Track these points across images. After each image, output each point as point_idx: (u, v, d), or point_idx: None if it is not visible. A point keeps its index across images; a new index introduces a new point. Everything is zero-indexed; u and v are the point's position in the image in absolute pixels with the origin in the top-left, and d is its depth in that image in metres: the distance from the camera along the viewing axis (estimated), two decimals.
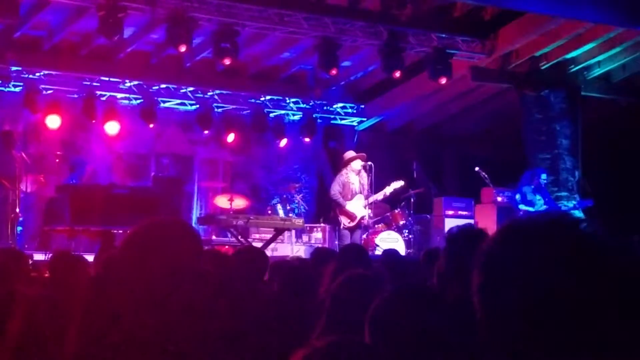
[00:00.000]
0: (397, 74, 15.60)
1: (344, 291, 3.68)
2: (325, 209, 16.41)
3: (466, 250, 4.02)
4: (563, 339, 1.57)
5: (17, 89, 16.67)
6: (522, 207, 15.04)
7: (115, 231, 12.71)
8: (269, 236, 14.90)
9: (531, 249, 1.62)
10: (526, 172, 15.66)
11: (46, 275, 9.34)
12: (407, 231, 15.93)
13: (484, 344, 1.67)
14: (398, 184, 14.78)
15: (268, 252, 14.02)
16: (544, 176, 15.22)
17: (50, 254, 10.58)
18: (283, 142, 19.46)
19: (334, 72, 15.46)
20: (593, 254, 1.60)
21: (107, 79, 17.21)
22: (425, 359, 2.79)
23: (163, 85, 17.88)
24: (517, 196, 15.16)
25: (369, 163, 14.37)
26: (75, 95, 17.09)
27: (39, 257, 12.58)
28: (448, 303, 3.08)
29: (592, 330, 1.56)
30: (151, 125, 17.70)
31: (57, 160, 16.16)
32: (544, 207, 14.95)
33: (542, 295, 1.58)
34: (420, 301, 2.95)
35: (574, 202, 16.42)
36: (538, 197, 14.97)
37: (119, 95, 17.63)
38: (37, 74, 16.56)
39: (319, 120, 19.79)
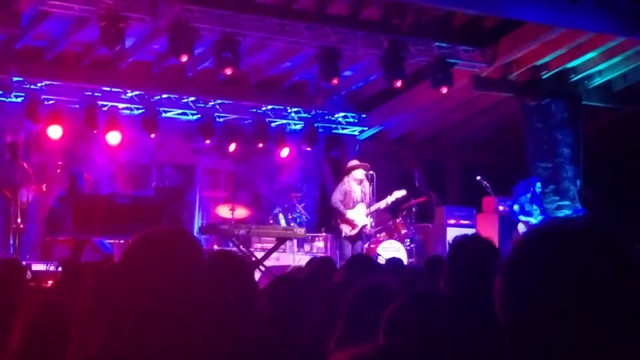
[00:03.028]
0: (399, 84, 15.63)
1: (362, 299, 3.71)
2: (326, 218, 16.41)
3: (472, 258, 4.04)
4: (589, 347, 1.57)
5: (19, 99, 16.68)
6: (521, 217, 15.04)
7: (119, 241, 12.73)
8: (270, 245, 14.88)
9: (560, 255, 1.62)
10: (520, 181, 15.68)
11: (46, 285, 9.37)
12: (408, 240, 15.93)
13: (506, 348, 1.67)
14: (400, 193, 14.80)
15: (270, 262, 14.14)
16: (538, 185, 15.23)
17: (53, 264, 10.61)
18: (284, 152, 19.46)
19: (335, 81, 15.48)
20: (631, 262, 1.60)
21: (108, 89, 17.22)
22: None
23: (164, 95, 17.89)
24: (516, 207, 15.18)
25: (371, 172, 14.38)
26: (77, 106, 17.10)
27: (40, 267, 12.57)
28: (458, 307, 3.13)
29: (623, 340, 1.55)
30: (153, 135, 17.71)
31: (59, 171, 16.15)
32: (540, 217, 14.96)
33: (570, 301, 1.58)
34: (434, 306, 3.01)
35: (568, 212, 16.41)
36: (534, 206, 14.99)
37: (121, 105, 17.64)
38: (39, 84, 16.57)
39: (320, 130, 19.79)
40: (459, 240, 4.23)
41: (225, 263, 3.79)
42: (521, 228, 15.04)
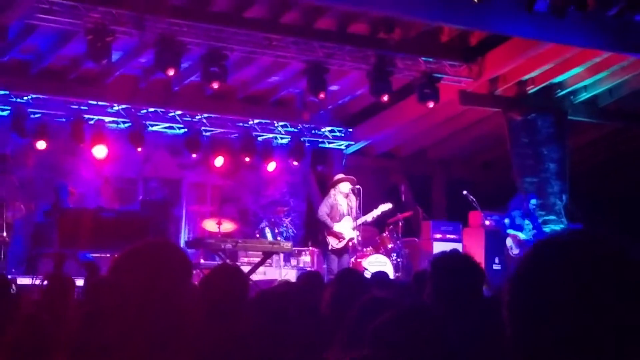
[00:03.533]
0: (385, 98, 15.68)
1: (364, 313, 3.78)
2: (313, 232, 16.40)
3: (451, 276, 4.07)
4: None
5: (5, 113, 16.63)
6: (510, 231, 15.07)
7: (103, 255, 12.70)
8: (257, 260, 14.88)
9: (570, 268, 1.62)
10: (517, 196, 15.73)
11: (31, 298, 9.31)
12: (395, 254, 15.91)
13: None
14: (386, 207, 14.81)
15: (257, 276, 14.11)
16: (533, 201, 15.25)
17: (39, 278, 10.55)
18: (271, 166, 19.46)
19: (322, 95, 15.52)
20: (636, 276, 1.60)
21: (95, 102, 17.18)
22: None
23: (151, 109, 17.86)
24: (506, 220, 15.21)
25: (358, 186, 14.39)
26: (63, 119, 17.06)
27: (26, 281, 12.51)
28: (443, 323, 3.16)
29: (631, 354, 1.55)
30: (139, 149, 17.67)
31: (45, 185, 16.11)
32: (533, 231, 14.99)
33: (579, 316, 1.58)
34: (421, 319, 3.04)
35: (562, 227, 16.47)
36: (527, 221, 15.01)
37: (107, 119, 17.61)
38: (25, 98, 16.52)
39: (307, 144, 19.80)
40: (438, 258, 4.26)
41: (223, 277, 3.81)
42: (509, 242, 15.06)
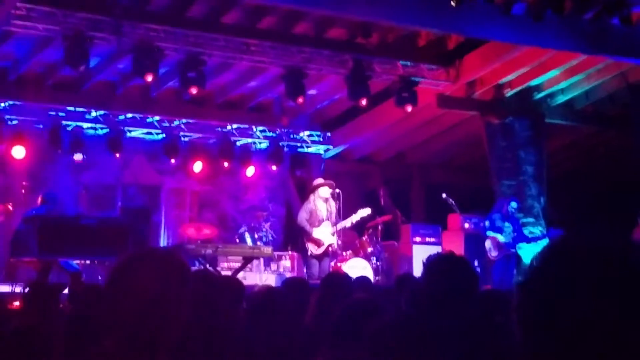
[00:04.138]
0: (364, 102, 15.72)
1: (349, 314, 3.79)
2: (293, 237, 16.41)
3: (448, 279, 4.07)
4: None
5: None
6: (489, 233, 15.12)
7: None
8: (237, 265, 14.86)
9: (579, 272, 1.63)
10: (499, 199, 15.78)
11: (11, 306, 9.27)
12: (374, 258, 15.94)
13: None
14: (365, 212, 14.81)
15: None
16: (513, 204, 15.31)
17: (19, 285, 10.49)
18: (250, 171, 19.45)
19: (300, 100, 15.52)
20: None
21: (72, 109, 17.11)
22: None
23: (129, 115, 17.80)
24: (487, 222, 15.26)
25: (337, 191, 14.39)
26: (41, 126, 16.99)
27: (5, 288, 12.44)
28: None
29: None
30: (117, 155, 17.63)
31: (24, 191, 16.04)
32: (513, 234, 15.04)
33: (589, 320, 1.58)
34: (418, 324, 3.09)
35: (540, 229, 16.55)
36: (507, 224, 15.06)
37: (85, 125, 17.54)
38: (2, 104, 16.44)
39: (285, 149, 19.80)
40: (434, 260, 4.23)
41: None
42: (487, 244, 15.12)
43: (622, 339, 1.57)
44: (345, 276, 7.21)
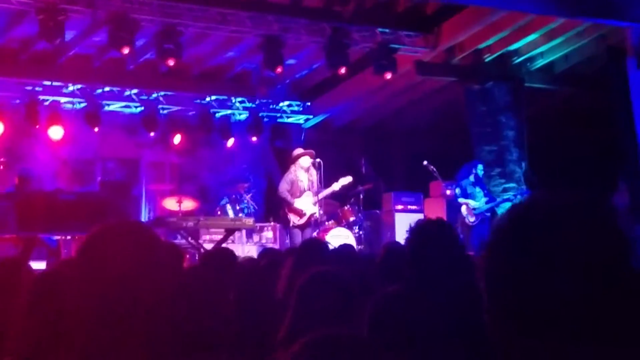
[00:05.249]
0: (342, 71, 15.62)
1: (310, 287, 3.68)
2: (274, 208, 16.36)
3: (435, 244, 4.03)
4: (574, 330, 1.53)
5: None
6: (461, 200, 15.14)
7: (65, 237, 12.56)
8: (219, 237, 14.81)
9: (549, 229, 1.58)
10: (464, 165, 15.73)
11: None
12: (357, 227, 15.94)
13: (491, 330, 1.64)
14: (346, 180, 14.75)
15: None
16: (480, 167, 15.31)
17: None
18: (230, 142, 19.38)
19: (279, 70, 15.42)
20: (622, 234, 1.57)
21: (49, 83, 16.99)
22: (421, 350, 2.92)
23: (107, 88, 17.69)
24: (457, 190, 15.27)
25: (318, 160, 14.33)
26: (18, 101, 16.86)
27: None
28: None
29: (605, 322, 1.52)
30: (96, 129, 17.53)
31: (1, 167, 15.91)
32: (485, 198, 15.07)
33: (563, 274, 1.54)
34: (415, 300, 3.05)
35: (514, 193, 16.50)
36: (478, 189, 15.08)
37: (63, 100, 17.42)
38: None
39: (265, 119, 19.74)
40: (421, 225, 4.20)
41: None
42: (463, 210, 15.12)
43: (587, 301, 1.53)
44: (323, 242, 7.17)
